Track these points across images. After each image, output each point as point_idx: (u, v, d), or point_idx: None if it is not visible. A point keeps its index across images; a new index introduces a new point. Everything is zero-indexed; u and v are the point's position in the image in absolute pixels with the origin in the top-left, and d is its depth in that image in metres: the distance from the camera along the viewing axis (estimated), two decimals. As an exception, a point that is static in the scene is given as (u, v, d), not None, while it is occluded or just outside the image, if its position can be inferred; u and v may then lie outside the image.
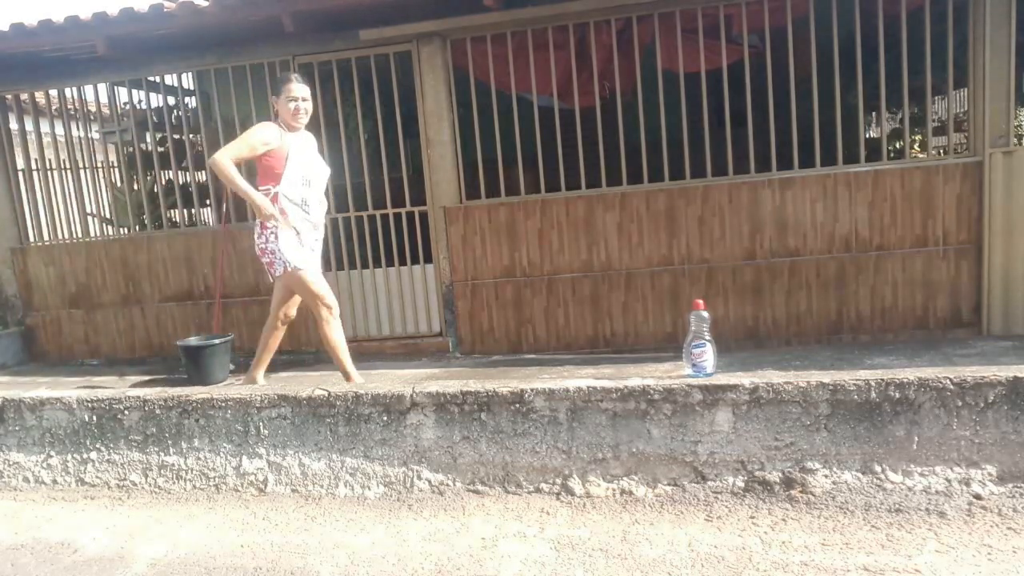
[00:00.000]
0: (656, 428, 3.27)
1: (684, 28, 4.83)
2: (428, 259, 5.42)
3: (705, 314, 3.30)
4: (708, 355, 3.25)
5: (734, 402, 3.16)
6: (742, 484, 3.17)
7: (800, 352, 4.42)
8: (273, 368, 5.05)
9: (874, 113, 7.95)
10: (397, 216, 5.43)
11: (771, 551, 2.79)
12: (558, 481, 3.39)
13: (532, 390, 3.34)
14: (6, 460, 4.05)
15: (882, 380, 3.13)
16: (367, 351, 5.42)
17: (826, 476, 3.14)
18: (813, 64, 4.74)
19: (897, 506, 3.04)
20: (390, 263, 5.49)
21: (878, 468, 3.14)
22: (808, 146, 4.85)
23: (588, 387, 3.31)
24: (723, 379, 3.22)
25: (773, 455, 3.17)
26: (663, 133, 4.96)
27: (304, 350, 5.56)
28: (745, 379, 3.19)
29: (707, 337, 3.27)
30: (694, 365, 3.26)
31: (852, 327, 4.84)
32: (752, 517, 3.04)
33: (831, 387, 3.16)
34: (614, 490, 3.31)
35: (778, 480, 3.17)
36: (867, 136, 6.14)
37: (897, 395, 3.13)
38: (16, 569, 3.11)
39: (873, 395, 3.13)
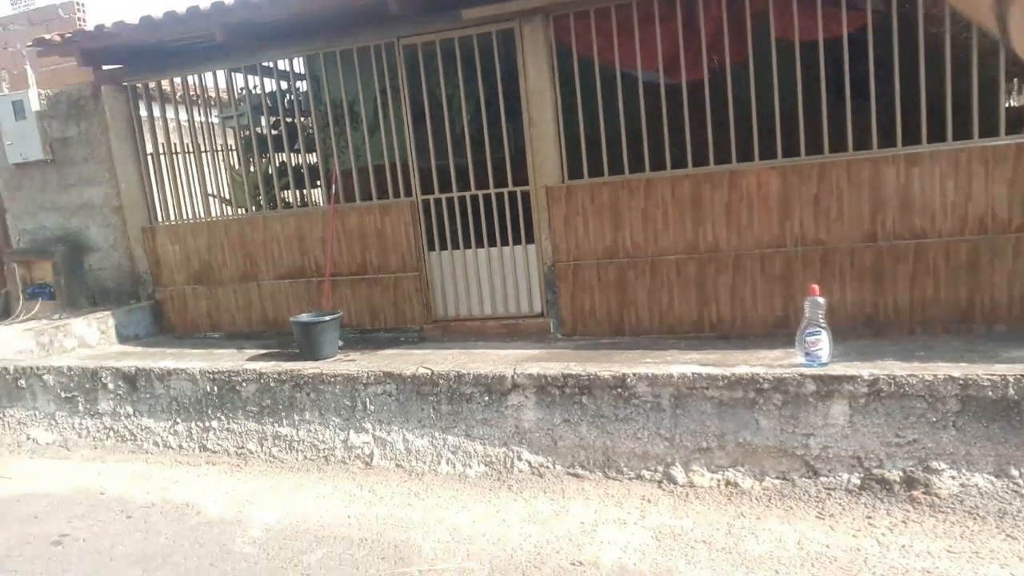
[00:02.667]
0: (765, 418, 3.13)
1: (801, -6, 4.54)
2: (530, 239, 5.39)
3: (821, 300, 3.11)
4: (823, 343, 3.07)
5: (851, 394, 2.98)
6: (858, 482, 3.00)
7: (925, 342, 4.12)
8: (377, 345, 5.20)
9: (1016, 80, 7.26)
10: (499, 196, 5.43)
11: (889, 554, 2.62)
12: (660, 469, 3.32)
13: (635, 375, 3.28)
14: (139, 425, 4.38)
15: (1021, 376, 2.87)
16: (469, 330, 5.48)
17: (953, 478, 2.92)
18: (946, 29, 4.35)
19: (1036, 513, 2.79)
20: (492, 243, 5.51)
21: (1015, 472, 2.89)
22: (939, 119, 4.47)
23: (693, 373, 3.21)
24: (839, 369, 3.04)
25: (894, 452, 2.98)
26: (776, 107, 4.70)
27: (408, 327, 5.68)
28: (864, 370, 3.00)
29: (822, 324, 3.09)
30: (807, 354, 3.10)
31: (986, 316, 4.46)
32: (868, 517, 2.87)
33: (961, 381, 2.93)
34: (719, 481, 3.21)
35: (898, 479, 2.97)
36: (1008, 106, 5.61)
37: (1039, 392, 2.86)
38: (148, 526, 3.36)
39: (1011, 392, 2.87)
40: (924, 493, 2.92)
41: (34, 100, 6.58)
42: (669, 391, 3.25)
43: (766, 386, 3.10)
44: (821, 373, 3.01)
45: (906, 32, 4.42)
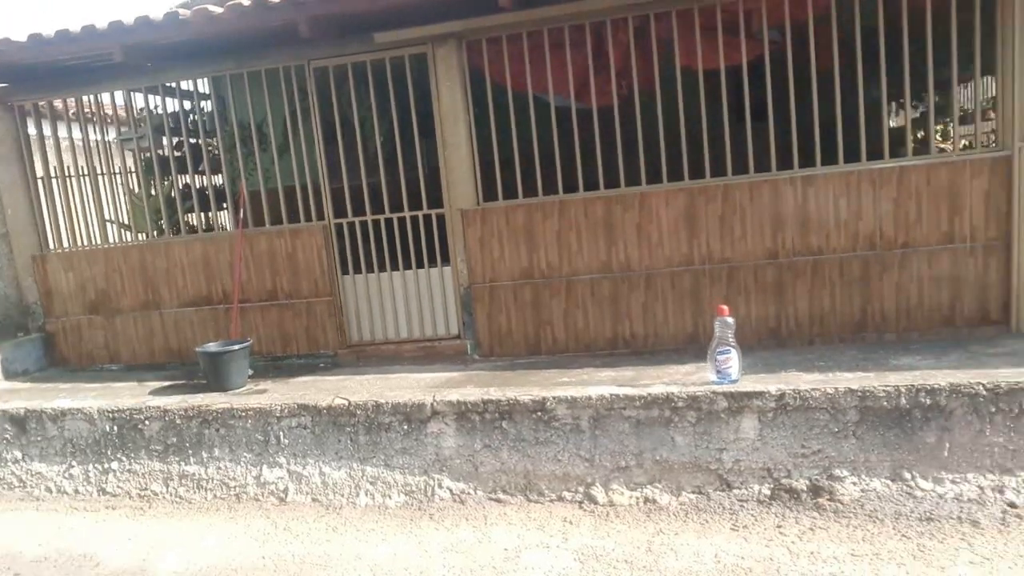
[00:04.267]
0: (680, 435, 3.21)
1: (703, 25, 4.74)
2: (445, 261, 5.38)
3: (730, 320, 3.23)
4: (733, 361, 3.19)
5: (760, 409, 3.10)
6: (768, 492, 3.11)
7: (824, 351, 4.34)
8: (290, 373, 5.05)
9: (894, 104, 7.80)
10: (414, 219, 5.39)
11: (799, 562, 2.73)
12: (580, 489, 3.35)
13: (554, 398, 3.30)
14: (28, 470, 4.08)
15: (912, 386, 3.06)
16: (385, 354, 5.40)
17: (854, 484, 3.08)
18: (835, 58, 4.64)
19: (928, 514, 2.97)
20: (408, 266, 5.46)
21: (908, 475, 3.07)
22: (831, 142, 4.76)
23: (611, 395, 3.26)
24: (749, 386, 3.16)
25: (800, 463, 3.12)
26: (682, 131, 4.88)
27: (321, 353, 5.54)
28: (772, 386, 3.13)
29: (732, 343, 3.21)
30: (719, 372, 3.20)
31: (877, 326, 4.75)
32: (779, 526, 2.98)
33: (860, 393, 3.09)
34: (638, 498, 3.27)
35: (805, 488, 3.11)
36: (890, 126, 6.01)
37: (928, 401, 3.05)
38: (40, 582, 3.12)
39: (903, 401, 3.06)
40: (829, 500, 3.07)
41: (-94, 120, 6.08)
42: (588, 413, 3.29)
43: (681, 404, 3.19)
44: (732, 390, 3.12)
45: (800, 60, 4.69)
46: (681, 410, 3.20)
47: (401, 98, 5.32)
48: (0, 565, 3.30)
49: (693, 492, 3.23)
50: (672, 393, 3.19)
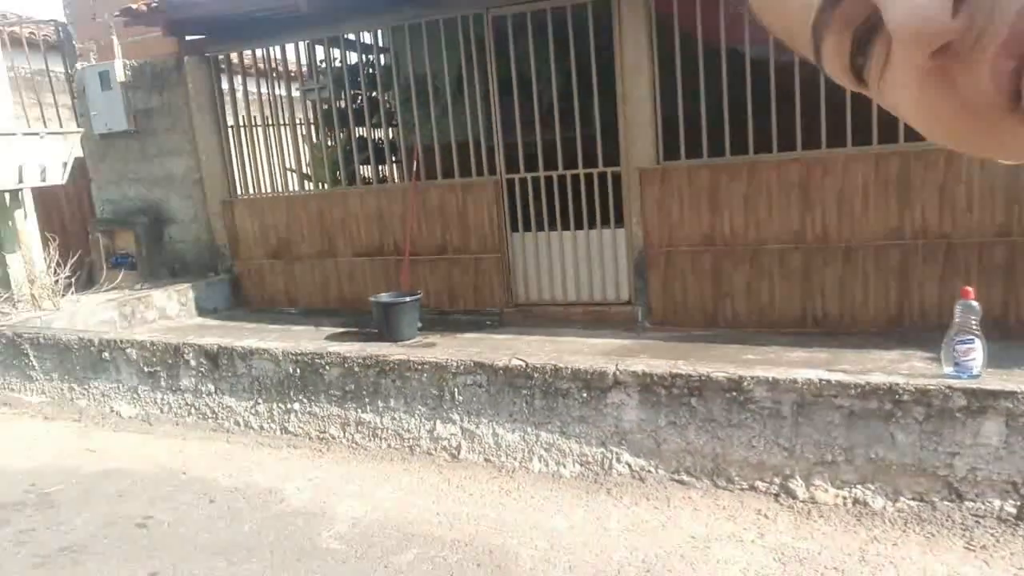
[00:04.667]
0: (902, 433, 2.81)
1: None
2: (619, 222, 5.12)
3: (975, 304, 2.77)
4: (976, 353, 2.73)
5: (1009, 412, 2.64)
6: (1014, 511, 2.66)
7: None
8: (457, 328, 5.02)
9: None
10: (588, 176, 5.15)
11: (1060, 598, 2.30)
12: (777, 481, 3.04)
13: (753, 378, 2.99)
14: (220, 403, 4.30)
15: None
16: (551, 316, 5.26)
17: None
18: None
19: None
20: (579, 226, 5.25)
21: None
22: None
23: (820, 379, 2.90)
24: (995, 383, 2.70)
25: (1057, 478, 2.64)
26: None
27: (487, 310, 5.48)
28: (1026, 385, 2.65)
29: (976, 332, 2.75)
30: (957, 364, 2.76)
31: None
32: (1029, 552, 2.54)
33: None
34: (845, 498, 2.91)
35: (1063, 509, 2.63)
36: None
37: None
38: (231, 513, 3.25)
39: None
40: (1089, 527, 2.57)
41: (119, 71, 6.58)
42: (791, 397, 2.96)
43: (906, 398, 2.78)
44: (973, 386, 2.68)
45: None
46: (906, 404, 2.79)
47: (581, 50, 5.05)
48: (199, 490, 3.48)
49: (914, 499, 2.83)
50: (896, 384, 2.79)
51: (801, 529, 2.80)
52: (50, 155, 5.69)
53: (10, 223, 5.90)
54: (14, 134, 5.52)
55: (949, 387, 2.69)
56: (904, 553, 2.59)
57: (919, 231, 4.36)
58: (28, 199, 6.05)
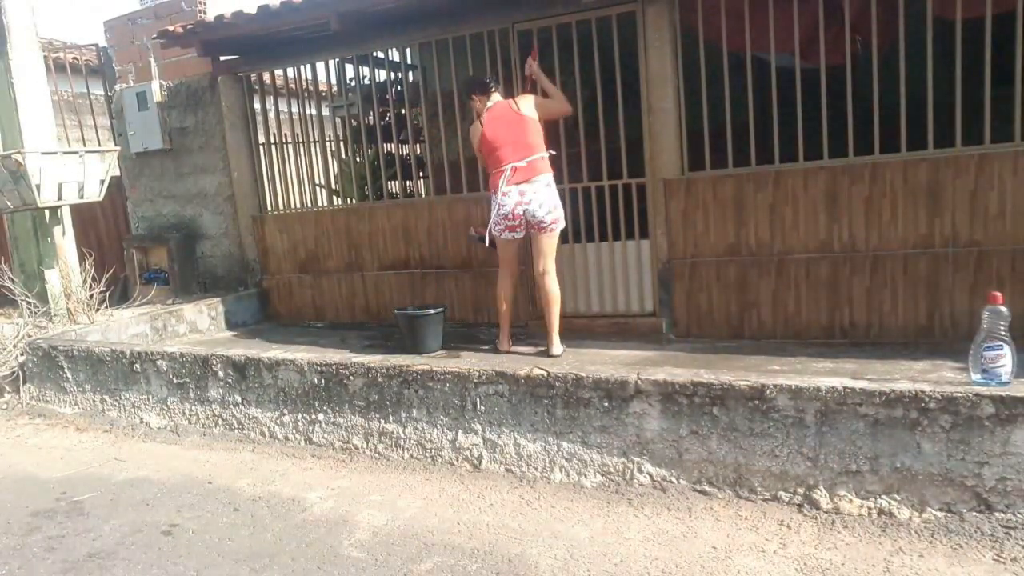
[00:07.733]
0: (929, 442, 2.75)
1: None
2: (643, 234, 5.10)
3: (1004, 310, 2.70)
4: (1006, 360, 2.67)
5: (1041, 420, 2.57)
6: (1047, 521, 2.58)
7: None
8: (482, 341, 5.03)
9: None
10: (613, 188, 5.16)
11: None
12: (800, 491, 2.99)
13: (775, 386, 2.96)
14: (247, 414, 4.36)
15: None
16: (576, 328, 5.24)
17: None
18: None
19: None
20: (603, 237, 5.24)
21: None
22: None
23: (844, 387, 2.86)
24: (1025, 391, 2.63)
25: (1092, 490, 2.56)
26: (930, 94, 4.22)
27: (513, 323, 5.48)
28: (1058, 393, 2.58)
29: (1005, 338, 2.68)
30: (985, 371, 2.69)
31: None
32: (1064, 565, 2.45)
33: None
34: (870, 508, 2.85)
35: (1098, 522, 2.54)
36: None
37: None
38: (255, 521, 3.29)
39: None
40: None
41: (156, 91, 6.77)
42: (815, 406, 2.91)
43: (932, 406, 2.72)
44: (1002, 394, 2.61)
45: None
46: (932, 412, 2.73)
47: (606, 62, 5.08)
48: (224, 499, 3.53)
49: (941, 509, 2.76)
50: (922, 391, 2.73)
51: (824, 540, 2.74)
52: (88, 173, 5.87)
53: (49, 239, 6.08)
54: (55, 153, 5.71)
55: (977, 394, 2.63)
56: (931, 565, 2.53)
57: (949, 239, 4.27)
58: (67, 216, 6.23)
